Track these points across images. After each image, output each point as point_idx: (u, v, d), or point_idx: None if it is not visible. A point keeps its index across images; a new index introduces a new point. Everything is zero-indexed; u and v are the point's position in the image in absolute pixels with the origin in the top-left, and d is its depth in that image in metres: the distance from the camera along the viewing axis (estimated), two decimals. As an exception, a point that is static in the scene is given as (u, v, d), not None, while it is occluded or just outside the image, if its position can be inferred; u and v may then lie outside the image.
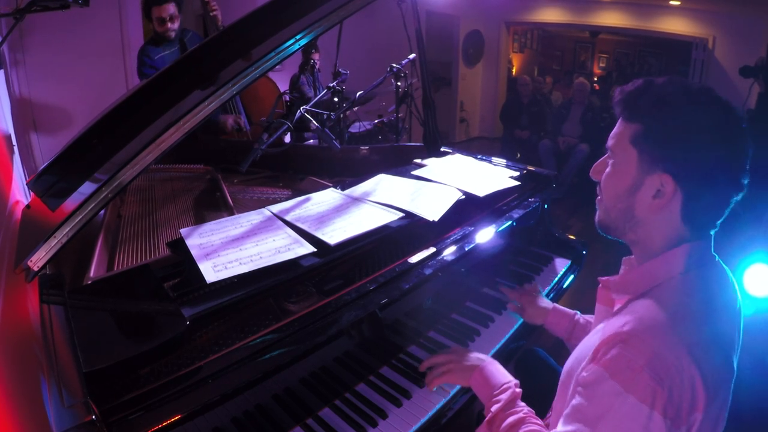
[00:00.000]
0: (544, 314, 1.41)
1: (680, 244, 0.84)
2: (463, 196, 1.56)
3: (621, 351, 0.75)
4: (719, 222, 0.85)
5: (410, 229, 1.38)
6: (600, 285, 1.01)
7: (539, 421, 0.99)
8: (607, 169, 0.91)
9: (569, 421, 0.79)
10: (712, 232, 0.87)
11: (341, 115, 2.88)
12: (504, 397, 1.03)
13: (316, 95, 3.19)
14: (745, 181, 0.81)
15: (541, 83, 7.00)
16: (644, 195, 0.85)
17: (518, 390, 1.06)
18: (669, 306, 0.79)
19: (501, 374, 1.11)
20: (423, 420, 1.12)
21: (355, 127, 3.98)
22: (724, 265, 0.90)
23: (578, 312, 1.37)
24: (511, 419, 0.99)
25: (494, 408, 1.03)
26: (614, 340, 0.77)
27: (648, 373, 0.71)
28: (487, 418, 1.04)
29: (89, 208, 1.07)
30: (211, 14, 2.68)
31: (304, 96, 3.86)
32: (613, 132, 0.89)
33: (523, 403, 1.03)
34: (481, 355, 1.17)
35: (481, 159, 2.01)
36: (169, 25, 2.70)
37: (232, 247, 1.18)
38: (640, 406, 0.71)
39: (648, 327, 0.77)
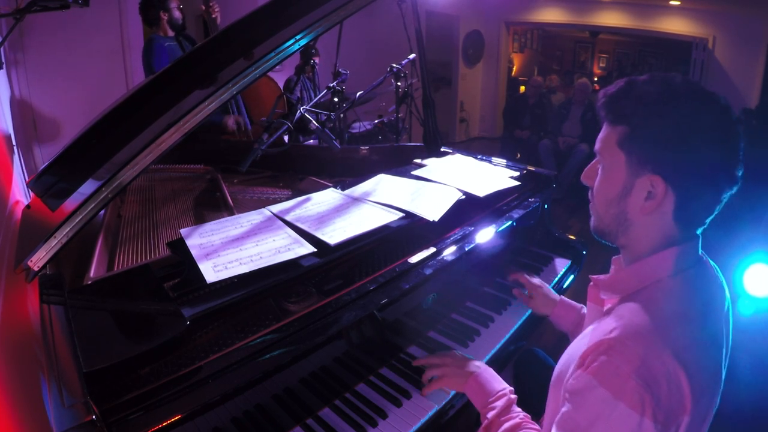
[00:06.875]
0: (551, 305, 1.41)
1: (668, 247, 0.84)
2: (463, 196, 1.56)
3: (608, 358, 0.75)
4: (709, 220, 0.84)
5: (410, 229, 1.38)
6: (591, 283, 1.00)
7: (535, 426, 0.99)
8: (598, 176, 0.90)
9: (560, 429, 0.79)
10: (699, 232, 0.86)
11: (341, 115, 2.88)
12: (500, 403, 1.04)
13: (314, 98, 3.20)
14: (740, 173, 0.79)
15: (541, 84, 7.01)
16: (635, 198, 0.83)
17: (513, 396, 1.06)
18: (656, 310, 0.79)
19: (496, 381, 1.11)
20: (423, 420, 1.12)
21: (355, 127, 3.98)
22: (713, 263, 0.89)
23: (584, 306, 1.37)
24: (507, 425, 0.99)
25: (490, 414, 1.03)
26: (601, 347, 0.76)
27: (635, 380, 0.71)
28: (483, 425, 1.05)
29: (89, 208, 1.07)
30: (212, 16, 2.77)
31: (297, 100, 3.86)
32: (599, 136, 0.88)
33: (518, 409, 1.04)
34: (477, 362, 1.17)
35: (481, 159, 2.01)
36: (181, 13, 2.98)
37: (233, 247, 1.18)
38: (630, 413, 0.71)
39: (634, 333, 0.76)
